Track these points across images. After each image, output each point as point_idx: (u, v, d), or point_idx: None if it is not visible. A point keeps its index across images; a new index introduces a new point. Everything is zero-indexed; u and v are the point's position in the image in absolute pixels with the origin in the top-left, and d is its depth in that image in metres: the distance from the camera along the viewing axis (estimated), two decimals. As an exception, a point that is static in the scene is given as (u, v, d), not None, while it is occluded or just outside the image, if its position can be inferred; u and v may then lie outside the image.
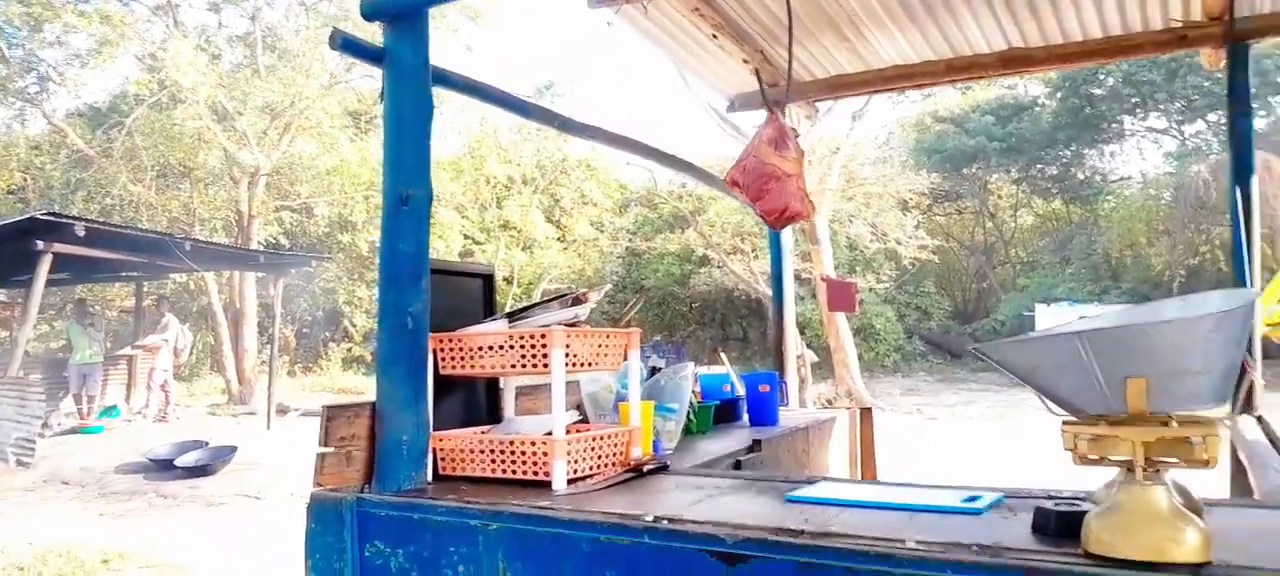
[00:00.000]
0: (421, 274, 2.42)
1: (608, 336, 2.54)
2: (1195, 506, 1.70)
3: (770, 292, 16.59)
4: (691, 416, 3.32)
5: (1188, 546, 1.46)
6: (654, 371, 3.16)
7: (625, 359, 2.60)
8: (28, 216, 11.51)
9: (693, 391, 3.41)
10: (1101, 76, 22.99)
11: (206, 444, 10.67)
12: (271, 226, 21.10)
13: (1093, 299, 20.78)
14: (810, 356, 17.10)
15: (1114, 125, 24.86)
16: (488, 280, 2.93)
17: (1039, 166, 25.93)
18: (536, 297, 24.44)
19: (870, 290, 21.74)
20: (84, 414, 13.24)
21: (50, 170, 20.54)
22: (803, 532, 1.75)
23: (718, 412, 3.62)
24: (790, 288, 4.95)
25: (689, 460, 2.82)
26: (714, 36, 4.25)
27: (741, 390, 3.70)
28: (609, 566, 1.89)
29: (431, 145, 2.51)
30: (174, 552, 6.79)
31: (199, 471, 9.89)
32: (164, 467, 9.97)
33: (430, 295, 2.45)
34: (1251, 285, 3.83)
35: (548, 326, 2.38)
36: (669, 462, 2.62)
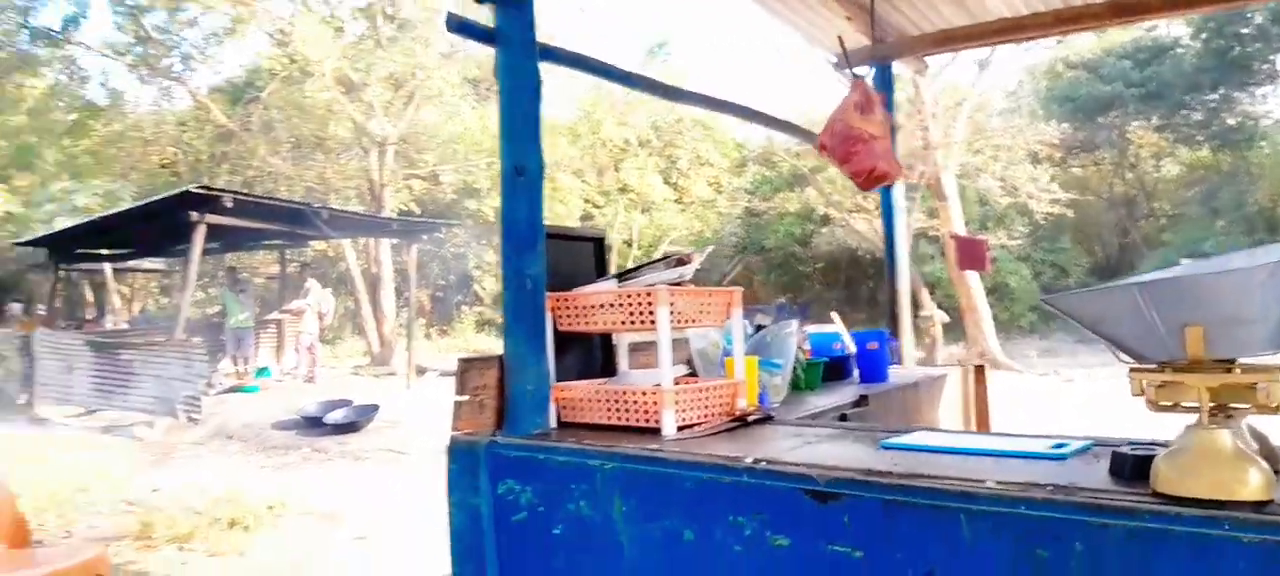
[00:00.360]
0: (537, 239, 2.64)
1: (710, 294, 2.71)
2: (1271, 451, 1.77)
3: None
4: (800, 372, 3.46)
5: (1250, 486, 1.54)
6: (759, 328, 3.31)
7: (728, 316, 2.77)
8: (183, 190, 12.40)
9: (802, 348, 3.56)
10: (1249, 15, 21.52)
11: (352, 403, 11.38)
12: (402, 194, 22.01)
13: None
14: (941, 316, 16.80)
15: (1264, 65, 23.24)
16: (599, 243, 3.15)
17: (1183, 112, 24.46)
18: (654, 258, 24.79)
19: (1002, 248, 21.08)
20: (240, 374, 14.26)
21: (197, 144, 21.92)
22: (890, 474, 1.90)
23: (828, 370, 3.74)
24: (904, 246, 4.99)
25: (795, 412, 2.97)
26: (821, -4, 4.33)
27: (851, 348, 3.81)
28: (711, 502, 2.08)
29: (541, 115, 2.72)
30: (327, 502, 7.36)
31: (346, 428, 10.59)
32: (314, 424, 10.71)
33: (546, 258, 2.67)
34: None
35: (653, 285, 2.56)
36: (773, 414, 2.79)
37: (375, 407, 11.08)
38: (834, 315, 4.16)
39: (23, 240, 16.72)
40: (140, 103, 23.86)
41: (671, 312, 2.53)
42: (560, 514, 2.35)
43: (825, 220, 22.02)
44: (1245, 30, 22.46)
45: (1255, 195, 22.22)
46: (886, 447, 2.20)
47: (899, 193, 4.96)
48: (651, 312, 2.52)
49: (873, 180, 2.55)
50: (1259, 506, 1.53)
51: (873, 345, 3.70)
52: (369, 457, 9.29)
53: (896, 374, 3.86)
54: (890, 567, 1.84)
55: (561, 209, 23.06)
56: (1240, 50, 22.77)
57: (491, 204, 22.55)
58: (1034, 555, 1.68)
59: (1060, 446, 2.07)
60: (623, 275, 2.84)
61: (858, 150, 2.62)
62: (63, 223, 16.89)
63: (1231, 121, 24.80)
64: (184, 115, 22.34)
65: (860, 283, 25.04)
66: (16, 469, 7.69)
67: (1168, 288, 1.53)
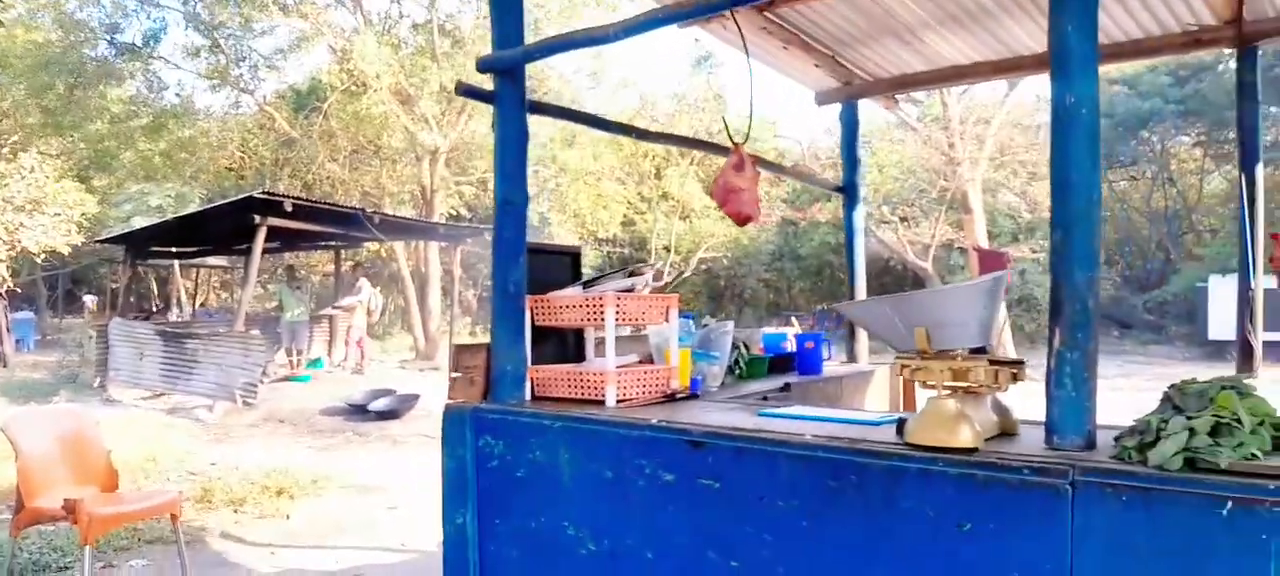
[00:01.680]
0: (519, 254, 3.42)
1: (651, 300, 3.48)
2: (1008, 423, 2.50)
3: (919, 262, 16.81)
4: (742, 364, 4.21)
5: (961, 438, 2.27)
6: (705, 328, 4.06)
7: (668, 318, 3.53)
8: (247, 195, 13.47)
9: (746, 345, 4.32)
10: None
11: (395, 392, 12.31)
12: (452, 199, 23.08)
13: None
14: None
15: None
16: (575, 256, 3.94)
17: (1224, 130, 24.64)
18: (692, 265, 25.46)
19: (1034, 259, 21.49)
20: (294, 365, 15.31)
21: (261, 149, 23.23)
22: (742, 430, 2.65)
23: (774, 363, 4.48)
24: (861, 261, 5.66)
25: (726, 394, 3.71)
26: (785, 47, 5.06)
27: (793, 347, 4.55)
28: (625, 450, 2.85)
29: (527, 157, 3.50)
30: (365, 477, 8.24)
31: (388, 415, 11.51)
32: (359, 411, 11.66)
33: (527, 268, 3.45)
34: (1255, 262, 4.34)
35: (604, 292, 3.34)
36: (701, 394, 3.54)
37: (416, 397, 11.99)
38: (793, 320, 4.88)
39: (103, 237, 18.01)
40: (211, 110, 25.35)
41: (618, 313, 3.30)
42: (523, 460, 3.13)
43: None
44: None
45: (1291, 214, 22.26)
46: (761, 415, 2.94)
47: (859, 214, 5.67)
48: (603, 314, 3.29)
49: (743, 219, 3.32)
50: (968, 452, 2.26)
51: (810, 344, 4.44)
52: (407, 441, 10.19)
53: (830, 368, 4.59)
54: (736, 493, 2.60)
55: (604, 215, 23.92)
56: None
57: (536, 209, 23.50)
58: (826, 484, 2.43)
59: (882, 420, 2.80)
60: (588, 282, 3.62)
61: (732, 198, 3.36)
62: (139, 222, 18.15)
63: (1271, 139, 24.85)
64: (250, 122, 23.67)
65: (891, 290, 25.53)
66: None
67: (903, 301, 2.27)
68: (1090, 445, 2.25)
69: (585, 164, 22.46)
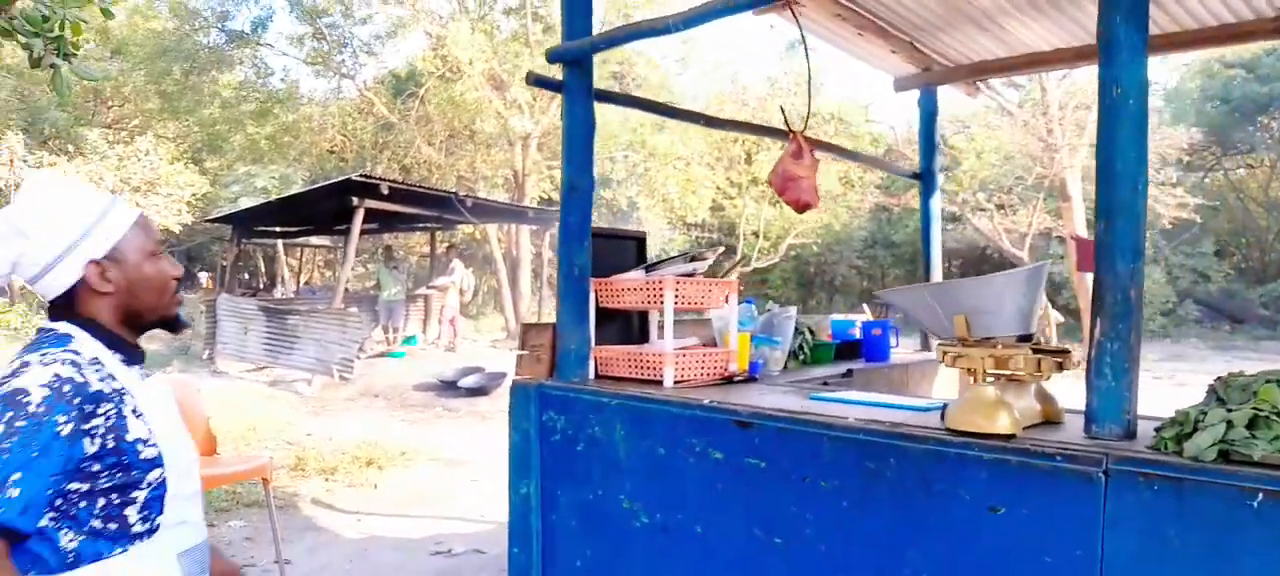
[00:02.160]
0: (585, 237, 3.55)
1: (711, 285, 3.57)
2: (1051, 411, 2.52)
3: (1015, 251, 16.40)
4: (807, 349, 4.27)
5: (1000, 424, 2.30)
6: (768, 313, 4.13)
7: (727, 302, 3.61)
8: (345, 178, 14.01)
9: (811, 331, 4.37)
10: None
11: (484, 370, 12.67)
12: (544, 183, 23.46)
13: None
14: (1055, 316, 16.85)
15: None
16: (640, 241, 4.05)
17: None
18: (781, 251, 25.32)
19: (1136, 249, 20.69)
20: (390, 341, 15.87)
21: (361, 133, 24.03)
22: (788, 411, 2.73)
23: (842, 350, 4.52)
24: (937, 249, 5.62)
25: (786, 379, 3.78)
26: (860, 33, 5.06)
27: (859, 333, 4.58)
28: (677, 428, 2.96)
29: (594, 144, 3.62)
30: (452, 451, 8.55)
31: (477, 392, 11.87)
32: (449, 387, 12.05)
33: (592, 252, 3.58)
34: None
35: (663, 276, 3.44)
36: (759, 378, 3.63)
37: (504, 374, 12.31)
38: (865, 305, 4.90)
39: (213, 216, 18.95)
40: (314, 94, 26.33)
41: (677, 297, 3.40)
42: (583, 435, 3.27)
43: (954, 218, 22.11)
44: None
45: None
46: (812, 398, 3.01)
47: (935, 202, 5.63)
48: (662, 297, 3.40)
49: (801, 206, 3.34)
50: (1006, 438, 2.30)
51: (877, 331, 4.46)
52: (493, 417, 10.49)
53: (898, 355, 4.60)
54: (781, 472, 2.68)
55: (693, 199, 23.99)
56: None
57: (625, 193, 23.72)
58: (866, 466, 2.50)
59: (929, 407, 2.84)
60: (650, 266, 3.73)
61: (790, 186, 3.39)
62: (246, 202, 19.03)
63: None
64: (350, 106, 24.49)
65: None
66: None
67: (942, 289, 2.31)
68: (1130, 435, 2.26)
69: (674, 148, 22.54)
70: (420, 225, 19.06)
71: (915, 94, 5.81)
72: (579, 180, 3.55)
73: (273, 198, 17.92)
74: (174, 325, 1.87)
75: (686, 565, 2.95)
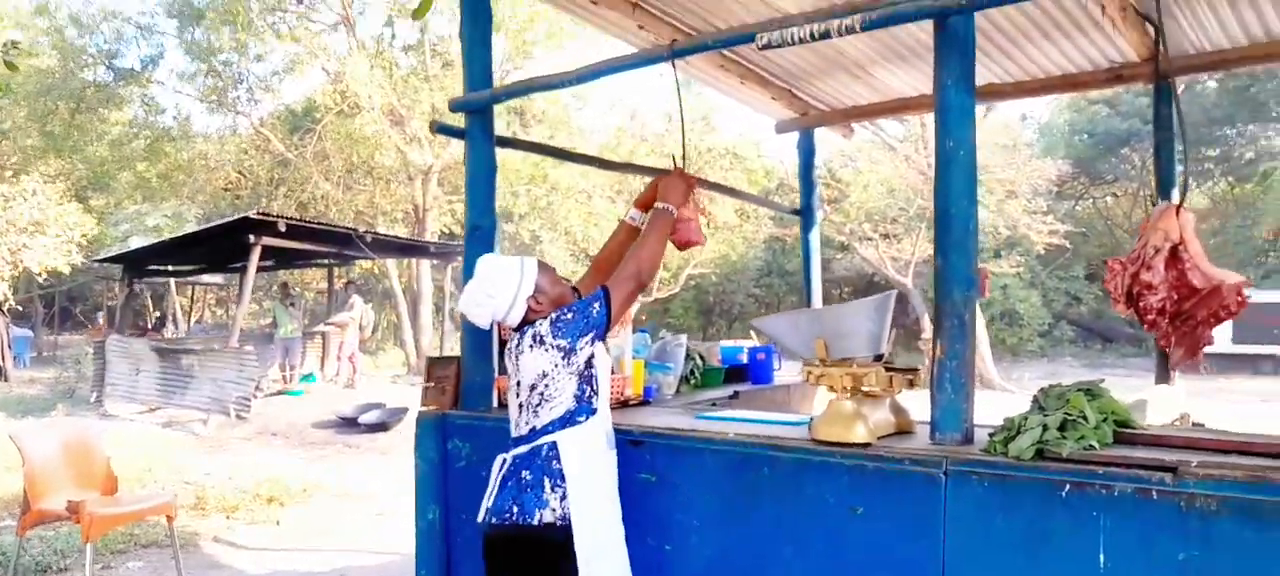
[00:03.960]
0: (487, 275, 3.78)
1: (606, 316, 3.83)
2: (904, 422, 2.86)
3: (900, 278, 17.10)
4: (698, 373, 4.57)
5: (857, 434, 2.63)
6: (661, 341, 4.43)
7: (622, 331, 3.89)
8: (242, 216, 13.81)
9: (702, 356, 4.68)
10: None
11: (385, 405, 12.64)
12: (444, 218, 23.43)
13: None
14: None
15: (1281, 104, 23.86)
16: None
17: (1200, 148, 25.13)
18: (681, 282, 25.77)
19: (1016, 275, 21.90)
20: (287, 379, 15.62)
21: (257, 170, 23.61)
22: (675, 430, 3.01)
23: (730, 374, 4.84)
24: (816, 279, 6.02)
25: (678, 401, 4.06)
26: (742, 82, 5.44)
27: (745, 359, 4.91)
28: (575, 450, 3.20)
29: (495, 187, 3.86)
30: (354, 486, 8.57)
31: (378, 427, 11.84)
32: (350, 424, 11.98)
33: (494, 288, 3.80)
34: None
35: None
36: (653, 401, 3.90)
37: (406, 410, 12.31)
38: (752, 330, 5.24)
39: (102, 257, 18.36)
40: (208, 131, 25.75)
41: (575, 327, 3.65)
42: (487, 460, 3.47)
43: (842, 247, 22.97)
44: (1262, 69, 23.13)
45: (1261, 230, 22.81)
46: (699, 417, 3.30)
47: (814, 236, 6.04)
48: (559, 327, 3.64)
49: (685, 245, 3.64)
50: (863, 446, 2.62)
51: (761, 355, 4.80)
52: (395, 451, 10.52)
53: (781, 377, 4.95)
54: (671, 485, 2.95)
55: (595, 232, 24.29)
56: (1258, 88, 23.39)
57: (528, 227, 23.85)
58: (743, 476, 2.79)
59: (800, 421, 3.15)
60: (550, 300, 3.98)
61: (678, 227, 3.71)
62: (137, 241, 18.50)
63: (1251, 155, 25.36)
64: (246, 143, 24.07)
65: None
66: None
67: (804, 315, 2.63)
68: (968, 440, 2.61)
69: (576, 182, 22.83)
70: (318, 261, 18.83)
71: (795, 135, 6.21)
72: (482, 221, 3.78)
73: (165, 237, 17.50)
74: None
75: None
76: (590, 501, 2.69)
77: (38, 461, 4.74)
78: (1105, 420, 2.47)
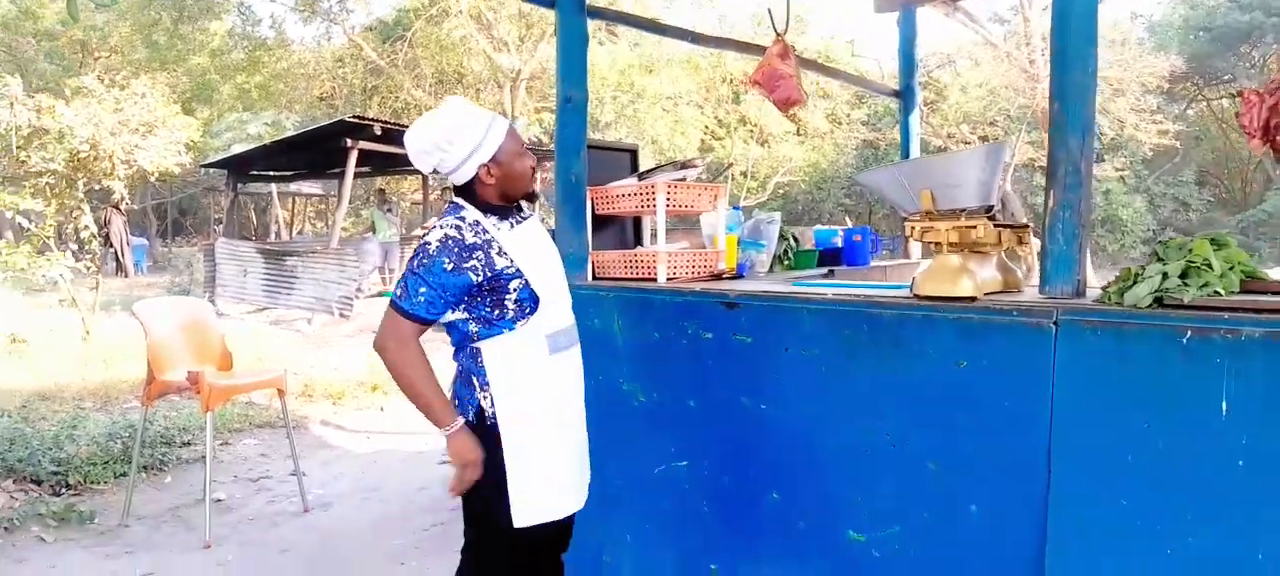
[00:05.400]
0: (581, 148, 3.76)
1: (701, 189, 3.79)
2: (1012, 281, 2.77)
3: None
4: (791, 254, 4.51)
5: (961, 288, 2.54)
6: (754, 219, 4.36)
7: (715, 206, 3.84)
8: (338, 120, 14.10)
9: (796, 238, 4.61)
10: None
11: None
12: (534, 126, 23.53)
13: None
14: (1037, 244, 17.16)
15: None
16: (633, 153, 4.26)
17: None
18: (769, 191, 25.47)
19: (1119, 178, 20.97)
20: (386, 282, 16.08)
21: (351, 78, 23.99)
22: (770, 293, 2.97)
23: (824, 257, 4.75)
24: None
25: (771, 279, 4.03)
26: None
27: (840, 243, 4.82)
28: (669, 314, 3.20)
29: (587, 59, 3.81)
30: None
31: (473, 326, 12.09)
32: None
33: (587, 162, 3.79)
34: None
35: (656, 181, 3.66)
36: (745, 276, 3.86)
37: (499, 312, 12.54)
38: (846, 220, 5.13)
39: (208, 162, 19.00)
40: (303, 41, 26.21)
41: (668, 201, 3.62)
42: (583, 329, 3.50)
43: (939, 150, 22.27)
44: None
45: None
46: (796, 284, 3.26)
47: (914, 118, 5.84)
48: (655, 200, 3.62)
49: (789, 104, 3.51)
50: (968, 300, 2.55)
51: (857, 238, 4.70)
52: (490, 350, 10.74)
53: (876, 261, 4.85)
54: (766, 346, 2.93)
55: (681, 140, 24.09)
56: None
57: (614, 134, 23.77)
58: (842, 334, 2.74)
59: (900, 287, 3.08)
60: (642, 175, 3.95)
61: (779, 84, 3.59)
62: (238, 148, 19.07)
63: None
64: (340, 52, 24.41)
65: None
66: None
67: (910, 167, 2.54)
68: (1079, 293, 2.51)
69: (662, 89, 22.58)
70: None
71: (895, 18, 5.97)
72: (574, 92, 3.74)
73: (267, 142, 18.00)
74: (531, 198, 2.81)
75: (682, 435, 3.22)
76: (515, 402, 2.66)
77: (159, 335, 4.98)
78: (1232, 268, 2.33)
